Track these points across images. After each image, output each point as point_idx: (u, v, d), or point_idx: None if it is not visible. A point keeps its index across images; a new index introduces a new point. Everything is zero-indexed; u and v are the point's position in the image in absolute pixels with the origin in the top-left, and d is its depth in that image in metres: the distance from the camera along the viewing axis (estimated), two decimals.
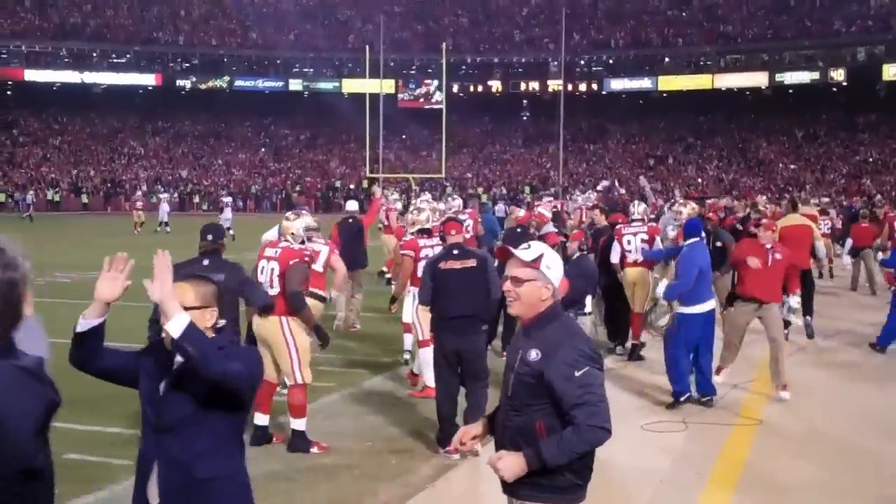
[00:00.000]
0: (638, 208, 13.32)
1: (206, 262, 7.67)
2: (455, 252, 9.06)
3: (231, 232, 37.62)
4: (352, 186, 63.28)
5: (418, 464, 7.68)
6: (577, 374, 3.82)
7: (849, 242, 19.32)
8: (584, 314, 9.71)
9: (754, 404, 9.93)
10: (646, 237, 12.65)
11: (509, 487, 4.08)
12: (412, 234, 11.05)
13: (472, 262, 8.70)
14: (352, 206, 15.99)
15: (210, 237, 7.89)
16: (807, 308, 14.13)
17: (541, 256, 4.05)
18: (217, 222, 9.14)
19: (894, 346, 12.89)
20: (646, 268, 12.61)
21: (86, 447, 7.74)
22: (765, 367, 10.87)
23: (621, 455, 7.98)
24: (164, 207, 40.13)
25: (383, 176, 60.71)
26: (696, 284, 9.67)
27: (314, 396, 9.07)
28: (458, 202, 18.55)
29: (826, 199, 30.63)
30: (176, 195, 60.73)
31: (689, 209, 13.91)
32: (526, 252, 4.08)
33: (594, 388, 3.83)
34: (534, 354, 3.95)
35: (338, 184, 65.39)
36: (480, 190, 60.61)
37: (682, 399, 9.59)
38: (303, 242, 8.86)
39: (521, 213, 16.55)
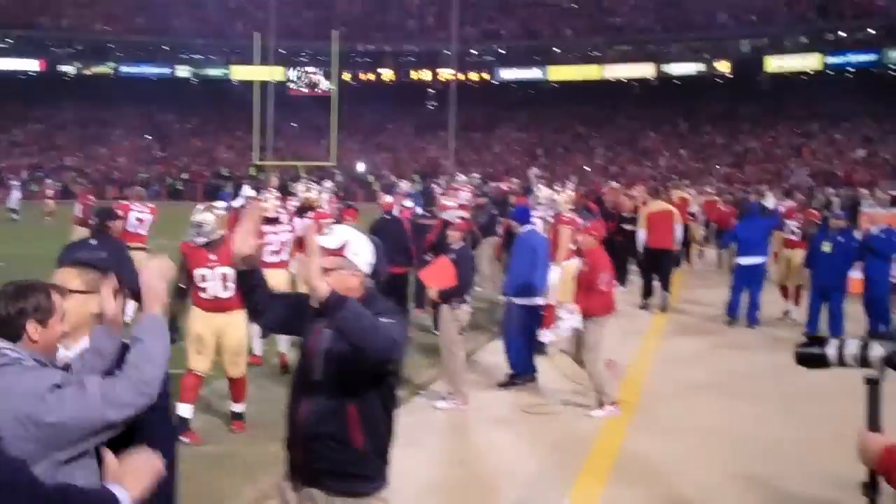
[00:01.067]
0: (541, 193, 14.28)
1: (93, 241, 8.92)
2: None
3: (16, 216, 37.80)
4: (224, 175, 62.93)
5: None
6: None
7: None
8: (465, 302, 9.90)
9: (632, 386, 10.53)
10: None
11: (312, 478, 4.02)
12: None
13: None
14: (247, 191, 16.80)
15: (98, 219, 9.34)
16: (664, 284, 16.31)
17: (346, 243, 3.94)
18: (109, 207, 10.17)
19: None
20: None
21: None
22: (642, 353, 12.12)
23: (501, 438, 8.70)
24: (15, 195, 39.60)
25: (272, 164, 60.70)
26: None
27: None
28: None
29: (710, 189, 31.58)
30: (59, 183, 59.73)
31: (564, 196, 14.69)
32: (328, 239, 3.96)
33: (389, 323, 3.74)
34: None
35: (225, 172, 65.03)
36: (371, 178, 61.10)
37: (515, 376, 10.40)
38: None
39: (388, 199, 17.00)
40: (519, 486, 7.33)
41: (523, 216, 11.59)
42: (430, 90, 71.57)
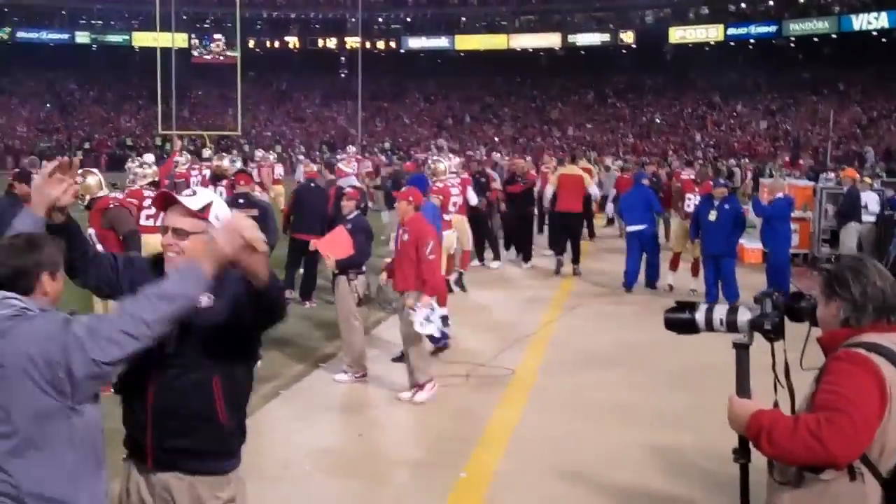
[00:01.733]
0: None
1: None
2: (241, 201, 10.46)
3: None
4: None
5: None
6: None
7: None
8: (361, 273, 9.79)
9: (532, 358, 10.65)
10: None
11: (164, 460, 3.76)
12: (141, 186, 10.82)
13: (254, 212, 9.80)
14: (149, 158, 16.72)
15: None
16: (575, 254, 17.08)
17: (209, 205, 3.71)
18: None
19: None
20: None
21: None
22: (543, 327, 12.20)
23: (400, 412, 8.75)
24: None
25: (176, 133, 59.85)
26: None
27: None
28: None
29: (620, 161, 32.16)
30: None
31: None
32: (191, 199, 3.71)
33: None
34: (205, 300, 3.56)
35: (128, 141, 63.95)
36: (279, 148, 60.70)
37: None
38: None
39: (314, 167, 17.42)
40: (416, 460, 7.43)
41: (421, 186, 11.57)
42: (338, 59, 71.13)
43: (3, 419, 3.11)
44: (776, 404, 3.39)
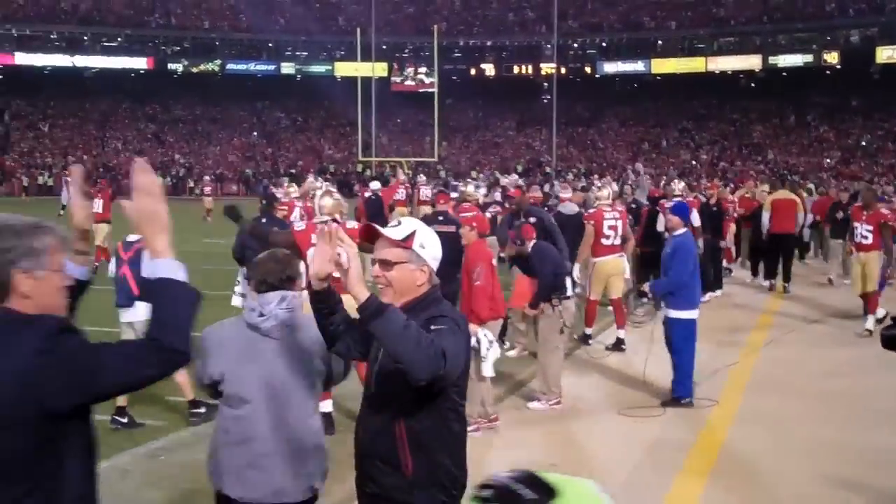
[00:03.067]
0: (677, 187, 15.34)
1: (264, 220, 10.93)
2: (440, 218, 11.15)
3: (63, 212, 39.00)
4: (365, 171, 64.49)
5: None
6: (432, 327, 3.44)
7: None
8: (567, 297, 9.63)
9: (733, 390, 10.21)
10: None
11: (366, 502, 3.81)
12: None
13: (451, 228, 10.27)
14: (374, 185, 20.45)
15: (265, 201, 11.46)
16: (786, 274, 17.66)
17: (413, 234, 3.63)
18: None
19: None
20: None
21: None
22: (747, 352, 11.82)
23: (596, 440, 8.50)
24: (67, 192, 40.58)
25: (375, 160, 62.24)
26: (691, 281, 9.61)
27: None
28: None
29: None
30: (168, 179, 62.15)
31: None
32: (394, 230, 3.66)
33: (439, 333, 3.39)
34: None
35: (331, 168, 66.68)
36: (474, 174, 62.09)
37: (683, 402, 9.51)
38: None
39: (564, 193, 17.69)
40: (614, 488, 6.92)
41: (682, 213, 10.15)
42: (533, 85, 72.08)
43: None
44: None
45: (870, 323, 13.52)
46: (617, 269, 12.83)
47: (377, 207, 18.42)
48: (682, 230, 9.70)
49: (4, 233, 2.71)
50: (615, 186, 18.31)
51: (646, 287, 10.20)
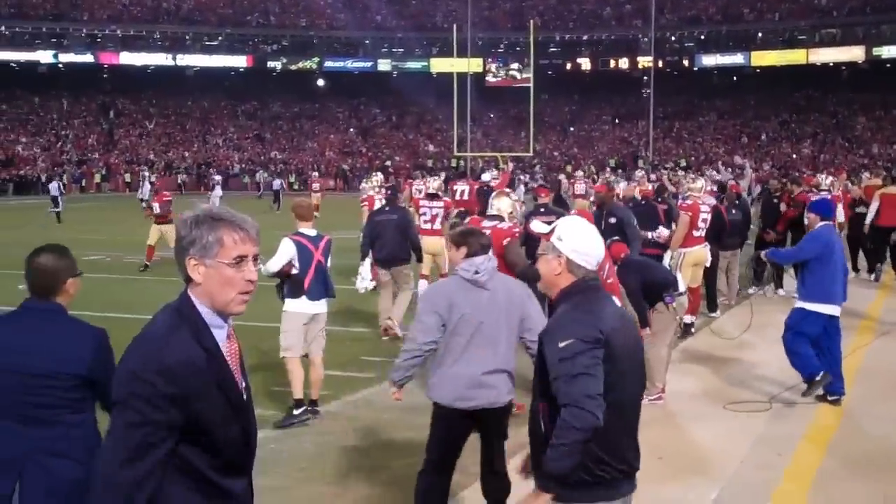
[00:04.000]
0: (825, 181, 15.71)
1: (387, 209, 12.50)
2: (542, 210, 11.50)
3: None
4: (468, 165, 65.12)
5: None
6: (560, 345, 3.57)
7: None
8: (681, 294, 9.61)
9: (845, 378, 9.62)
10: None
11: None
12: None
13: (553, 219, 10.71)
14: (486, 177, 21.85)
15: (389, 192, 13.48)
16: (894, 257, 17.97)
17: (554, 228, 3.90)
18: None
19: None
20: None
21: None
22: (853, 350, 11.01)
23: (702, 434, 8.34)
24: (147, 186, 41.24)
25: (471, 154, 62.86)
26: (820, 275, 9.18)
27: (357, 386, 9.85)
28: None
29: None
30: (267, 175, 63.71)
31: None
32: (542, 225, 4.06)
33: (576, 361, 3.54)
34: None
35: (429, 163, 67.47)
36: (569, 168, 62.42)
37: (817, 378, 8.92)
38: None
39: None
40: (721, 483, 7.06)
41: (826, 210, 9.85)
42: (630, 78, 71.88)
43: None
44: None
45: None
46: (701, 259, 13.11)
47: (489, 198, 19.03)
48: (820, 224, 9.33)
49: (189, 222, 2.88)
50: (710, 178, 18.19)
51: (763, 254, 10.10)
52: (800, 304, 9.20)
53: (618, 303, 3.95)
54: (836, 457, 7.58)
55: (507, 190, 10.25)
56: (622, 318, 3.82)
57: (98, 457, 2.82)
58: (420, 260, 13.06)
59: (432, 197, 14.62)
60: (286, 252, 8.40)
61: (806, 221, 9.93)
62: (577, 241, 3.79)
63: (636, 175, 23.41)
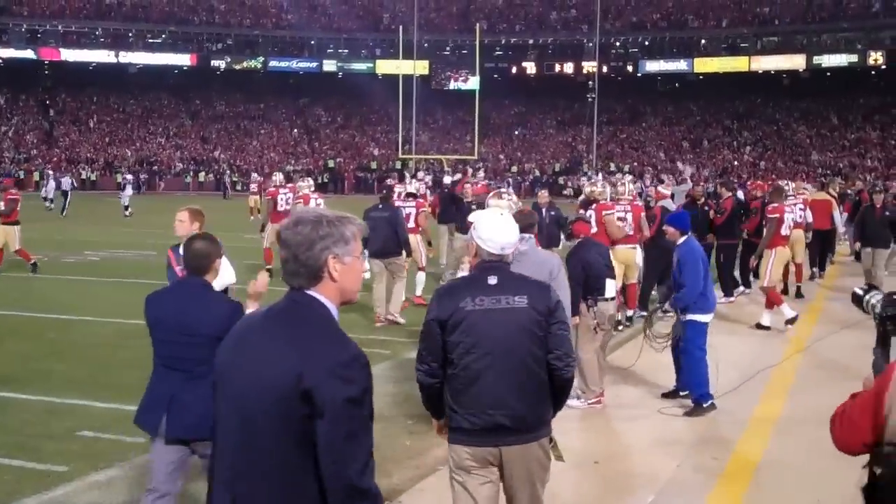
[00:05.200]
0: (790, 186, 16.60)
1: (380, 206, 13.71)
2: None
3: (129, 211, 37.18)
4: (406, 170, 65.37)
5: (431, 446, 7.58)
6: None
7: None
8: (605, 300, 9.42)
9: (776, 390, 9.96)
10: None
11: None
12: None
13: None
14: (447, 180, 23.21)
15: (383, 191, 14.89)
16: (822, 265, 19.58)
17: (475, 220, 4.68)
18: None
19: None
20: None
21: (101, 425, 8.21)
22: (789, 356, 11.37)
23: (639, 438, 8.38)
24: (128, 191, 39.81)
25: (416, 157, 63.18)
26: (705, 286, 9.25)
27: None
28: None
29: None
30: (211, 176, 63.58)
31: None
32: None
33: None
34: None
35: (373, 165, 67.66)
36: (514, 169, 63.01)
37: (705, 405, 8.96)
38: None
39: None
40: (657, 486, 7.14)
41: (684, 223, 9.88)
42: (574, 83, 72.55)
43: None
44: None
45: None
46: (629, 260, 13.50)
47: (450, 199, 20.00)
48: (682, 239, 9.37)
49: (321, 222, 2.90)
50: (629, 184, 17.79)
51: (667, 306, 10.02)
52: (691, 317, 9.12)
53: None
54: (774, 457, 7.73)
55: (504, 190, 10.22)
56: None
57: (336, 461, 2.71)
58: (409, 255, 14.28)
59: (409, 197, 16.07)
60: None
61: (666, 235, 9.86)
62: (486, 230, 4.51)
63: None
